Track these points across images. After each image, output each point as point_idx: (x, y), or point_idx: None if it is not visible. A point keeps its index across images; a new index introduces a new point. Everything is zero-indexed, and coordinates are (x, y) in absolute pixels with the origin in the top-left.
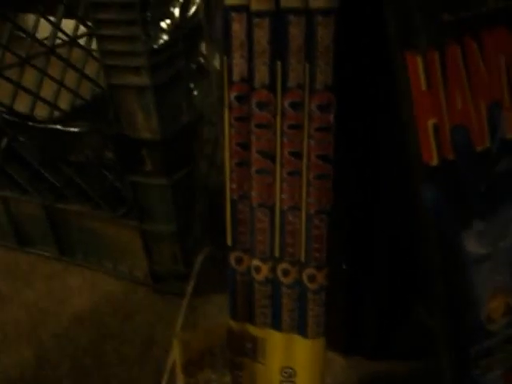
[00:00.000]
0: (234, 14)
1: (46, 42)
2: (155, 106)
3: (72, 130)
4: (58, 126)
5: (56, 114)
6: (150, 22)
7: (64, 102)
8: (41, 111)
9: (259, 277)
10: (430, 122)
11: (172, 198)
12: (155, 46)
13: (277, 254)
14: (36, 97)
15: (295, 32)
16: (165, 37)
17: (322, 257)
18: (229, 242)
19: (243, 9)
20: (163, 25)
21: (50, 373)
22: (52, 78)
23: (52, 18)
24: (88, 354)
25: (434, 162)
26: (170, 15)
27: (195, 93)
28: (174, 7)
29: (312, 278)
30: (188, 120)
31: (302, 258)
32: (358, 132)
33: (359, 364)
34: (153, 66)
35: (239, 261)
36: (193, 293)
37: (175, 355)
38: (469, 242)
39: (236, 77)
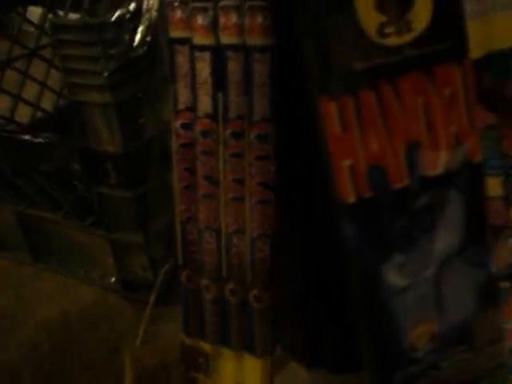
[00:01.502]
0: (177, 47)
1: None
2: (118, 122)
3: (38, 141)
4: (26, 137)
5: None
6: (110, 43)
7: (24, 114)
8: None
9: (209, 295)
10: (346, 163)
11: (137, 210)
12: (115, 66)
13: (224, 274)
14: None
15: (234, 67)
16: (125, 57)
17: (266, 278)
18: (179, 261)
19: (186, 42)
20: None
21: (9, 380)
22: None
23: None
24: (51, 361)
25: (351, 199)
26: (130, 36)
27: (162, 106)
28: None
29: (258, 299)
30: (153, 134)
31: (248, 279)
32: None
33: (322, 377)
34: (114, 85)
35: (190, 279)
36: (162, 301)
37: (126, 371)
38: (389, 274)
39: (181, 105)
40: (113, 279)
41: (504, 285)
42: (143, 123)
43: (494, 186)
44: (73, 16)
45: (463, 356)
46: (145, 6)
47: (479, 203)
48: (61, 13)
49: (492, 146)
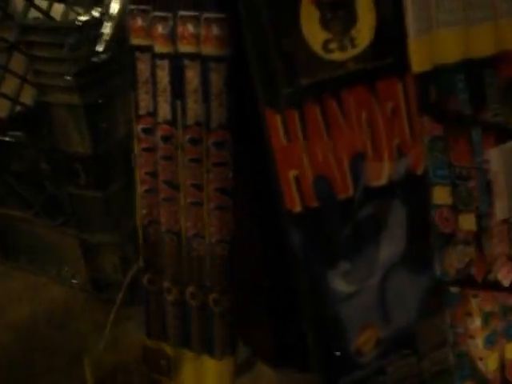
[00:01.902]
0: (138, 54)
1: None
2: (87, 123)
3: (7, 139)
4: None
5: None
6: (75, 46)
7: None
8: None
9: (170, 298)
10: (292, 173)
11: (107, 210)
12: (79, 69)
13: (185, 277)
14: None
15: (191, 75)
16: (95, 58)
17: (225, 282)
18: (141, 263)
19: (147, 49)
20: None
21: None
22: None
23: None
24: (17, 363)
25: (298, 209)
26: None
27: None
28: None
29: (217, 302)
30: (125, 134)
31: (207, 283)
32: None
33: (288, 376)
34: (82, 86)
35: (151, 282)
36: (130, 302)
37: (86, 374)
38: (335, 281)
39: (142, 111)
40: (84, 279)
41: (454, 290)
42: (113, 125)
43: (442, 195)
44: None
45: (408, 360)
46: (110, 13)
47: (422, 213)
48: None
49: (439, 157)
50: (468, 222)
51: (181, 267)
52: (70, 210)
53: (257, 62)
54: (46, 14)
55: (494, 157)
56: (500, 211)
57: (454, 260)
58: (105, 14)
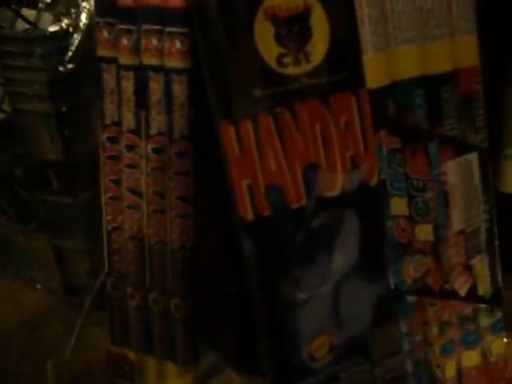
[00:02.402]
0: (104, 65)
1: None
2: (59, 131)
3: None
4: None
5: None
6: (48, 55)
7: None
8: None
9: (133, 304)
10: (245, 182)
11: (79, 216)
12: (56, 76)
13: (147, 283)
14: None
15: (154, 86)
16: (68, 66)
17: (186, 288)
18: (106, 268)
19: (113, 61)
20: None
21: None
22: None
23: None
24: None
25: (250, 217)
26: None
27: None
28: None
29: (178, 308)
30: (97, 142)
31: (169, 289)
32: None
33: (256, 382)
34: (54, 95)
35: (115, 287)
36: (100, 307)
37: (48, 379)
38: (287, 288)
39: (107, 120)
40: (57, 284)
41: (411, 299)
42: (85, 133)
43: (399, 206)
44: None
45: (362, 367)
46: (79, 24)
47: (375, 223)
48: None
49: (397, 169)
50: (425, 233)
51: (143, 273)
52: (43, 216)
53: (211, 75)
54: (34, 24)
55: (451, 169)
56: (457, 222)
57: (410, 269)
58: (73, 24)
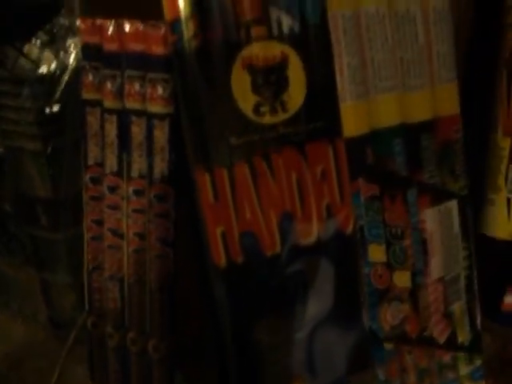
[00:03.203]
0: (88, 108)
1: None
2: (49, 169)
3: None
4: None
5: None
6: (39, 95)
7: None
8: None
9: (112, 343)
10: (219, 229)
11: (66, 252)
12: (48, 111)
13: (126, 323)
14: None
15: (136, 130)
16: (54, 108)
17: (164, 329)
18: (86, 307)
19: (97, 104)
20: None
21: None
22: None
23: None
24: None
25: (223, 264)
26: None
27: None
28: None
29: (156, 349)
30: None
31: (147, 329)
32: None
33: None
34: (44, 134)
35: (95, 326)
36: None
37: None
38: (261, 335)
39: (90, 161)
40: (45, 317)
41: (388, 346)
42: (74, 171)
43: (376, 253)
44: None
45: None
46: (66, 66)
47: (350, 271)
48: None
49: (375, 216)
50: (403, 279)
51: (123, 312)
52: (31, 250)
53: (188, 122)
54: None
55: (430, 217)
56: (435, 269)
57: (388, 316)
58: (61, 67)
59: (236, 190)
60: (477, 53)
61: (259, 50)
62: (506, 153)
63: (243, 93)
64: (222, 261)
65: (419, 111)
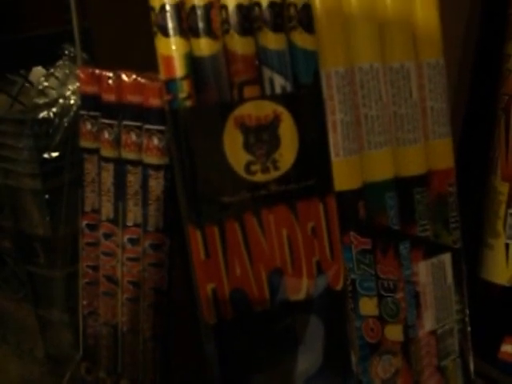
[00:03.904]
0: (86, 155)
1: None
2: (48, 207)
3: None
4: None
5: None
6: (39, 136)
7: None
8: None
9: None
10: (209, 286)
11: (64, 290)
12: (46, 156)
13: (119, 369)
14: None
15: (132, 179)
16: (52, 154)
17: (156, 377)
18: (80, 352)
19: (95, 152)
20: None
21: None
22: None
23: None
24: None
25: (213, 321)
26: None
27: None
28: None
29: None
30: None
31: (140, 377)
32: None
33: None
34: (45, 173)
35: (89, 371)
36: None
37: None
38: None
39: (87, 208)
40: (41, 353)
41: None
42: (72, 210)
43: (368, 307)
44: None
45: None
46: (66, 111)
47: (340, 327)
48: None
49: (366, 270)
50: (395, 333)
51: (116, 359)
52: (29, 287)
53: (180, 179)
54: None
55: (423, 270)
56: (428, 322)
57: (380, 370)
58: (61, 113)
59: (227, 248)
60: (476, 98)
61: (252, 110)
62: (505, 198)
63: (235, 151)
64: (212, 318)
65: (412, 165)
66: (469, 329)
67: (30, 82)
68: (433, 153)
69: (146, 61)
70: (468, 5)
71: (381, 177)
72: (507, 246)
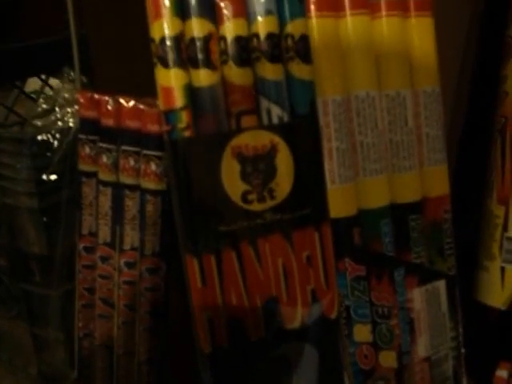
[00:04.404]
0: (84, 179)
1: None
2: (44, 226)
3: None
4: None
5: None
6: (37, 156)
7: None
8: None
9: None
10: (205, 315)
11: (58, 309)
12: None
13: None
14: None
15: (130, 204)
16: (51, 177)
17: None
18: (75, 374)
19: (93, 175)
20: None
21: None
22: None
23: None
24: None
25: (208, 350)
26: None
27: None
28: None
29: None
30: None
31: None
32: None
33: None
34: (41, 192)
35: None
36: None
37: None
38: None
39: (84, 230)
40: (35, 370)
41: None
42: (68, 229)
43: (362, 333)
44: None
45: None
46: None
47: (334, 356)
48: None
49: (361, 296)
50: (389, 359)
51: (111, 382)
52: (24, 305)
53: (178, 208)
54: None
55: (417, 296)
56: (422, 349)
57: None
58: (60, 134)
59: (223, 276)
60: (473, 120)
61: (249, 140)
62: (501, 221)
63: (232, 181)
64: (208, 346)
65: (408, 192)
66: (463, 355)
67: (26, 93)
68: (428, 180)
69: (145, 84)
70: (465, 27)
71: (376, 204)
72: (503, 269)
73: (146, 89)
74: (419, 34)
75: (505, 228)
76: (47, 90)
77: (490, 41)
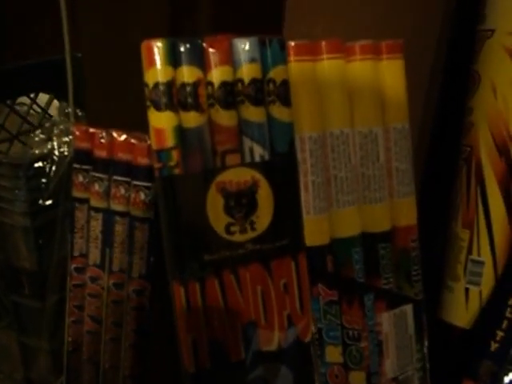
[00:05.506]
0: (77, 204)
1: None
2: (35, 243)
3: None
4: None
5: None
6: (31, 178)
7: None
8: None
9: None
10: (190, 337)
11: (47, 320)
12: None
13: None
14: None
15: (119, 229)
16: (46, 202)
17: None
18: (60, 381)
19: (85, 201)
20: None
21: None
22: None
23: None
24: None
25: (192, 369)
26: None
27: None
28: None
29: None
30: (67, 253)
31: None
32: None
33: None
34: (34, 211)
35: None
36: None
37: None
38: None
39: (76, 252)
40: (20, 376)
41: None
42: (58, 245)
43: (333, 354)
44: None
45: None
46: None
47: (306, 377)
48: None
49: (332, 320)
50: (358, 379)
51: None
52: (13, 315)
53: (167, 239)
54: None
55: (385, 320)
56: (390, 370)
57: None
58: (54, 168)
59: (206, 302)
60: (438, 148)
61: (233, 176)
62: (466, 244)
63: (217, 214)
64: (192, 366)
65: (378, 222)
66: (428, 376)
67: (18, 113)
68: (397, 210)
69: (136, 120)
70: (430, 61)
71: (348, 233)
72: (467, 290)
73: (136, 124)
74: (391, 75)
75: (469, 251)
76: (35, 106)
77: (457, 74)
